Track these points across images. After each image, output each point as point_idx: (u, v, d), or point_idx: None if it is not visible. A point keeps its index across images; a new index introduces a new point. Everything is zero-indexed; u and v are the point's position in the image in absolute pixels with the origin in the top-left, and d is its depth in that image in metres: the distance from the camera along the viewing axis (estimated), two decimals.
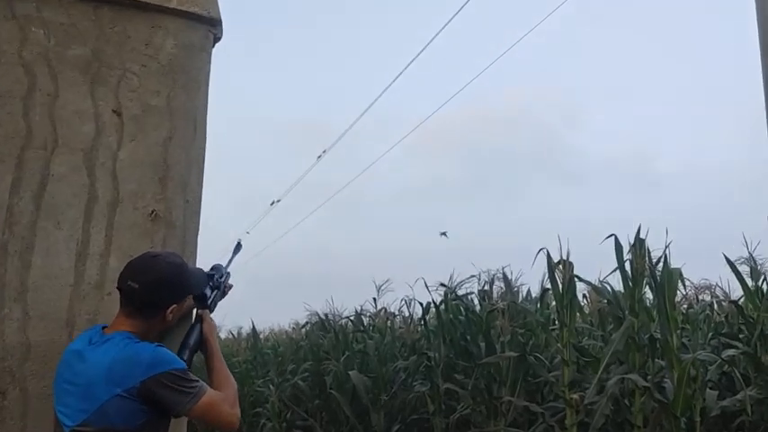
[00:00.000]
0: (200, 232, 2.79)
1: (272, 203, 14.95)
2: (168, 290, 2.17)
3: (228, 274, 2.60)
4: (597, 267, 6.77)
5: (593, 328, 7.02)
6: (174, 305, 2.20)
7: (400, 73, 8.64)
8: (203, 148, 2.86)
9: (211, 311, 2.46)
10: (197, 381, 2.07)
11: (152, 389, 1.98)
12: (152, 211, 2.62)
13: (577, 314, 6.44)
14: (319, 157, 12.66)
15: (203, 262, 2.71)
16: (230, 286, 2.60)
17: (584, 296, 8.31)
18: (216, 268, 2.55)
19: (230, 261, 2.65)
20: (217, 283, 2.49)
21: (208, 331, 2.36)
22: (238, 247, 2.74)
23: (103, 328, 2.19)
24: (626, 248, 5.80)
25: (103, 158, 2.61)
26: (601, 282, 6.70)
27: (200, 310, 2.39)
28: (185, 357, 2.21)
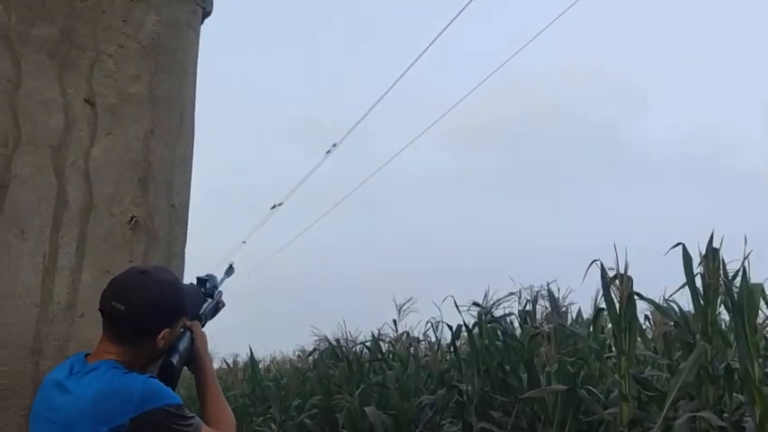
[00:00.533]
0: (188, 242, 2.79)
1: (274, 207, 15.07)
2: (159, 312, 2.16)
3: (221, 292, 2.60)
4: (662, 283, 6.70)
5: (658, 356, 6.94)
6: (167, 329, 2.19)
7: (420, 55, 8.69)
8: (191, 144, 2.86)
9: (202, 324, 2.45)
10: (192, 417, 2.06)
11: (143, 427, 1.97)
12: (131, 218, 2.63)
13: (638, 339, 6.37)
14: (329, 151, 12.78)
15: (192, 277, 2.71)
16: (223, 304, 2.60)
17: (646, 317, 8.24)
18: (210, 276, 2.55)
19: (221, 282, 2.65)
20: (210, 290, 2.50)
21: (200, 344, 2.35)
22: (230, 270, 2.74)
23: (86, 355, 2.19)
24: (696, 260, 5.73)
25: (74, 156, 2.62)
26: (666, 300, 6.63)
27: (188, 321, 2.38)
28: (174, 362, 2.21)
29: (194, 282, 2.55)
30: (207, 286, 2.51)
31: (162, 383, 2.08)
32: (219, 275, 2.67)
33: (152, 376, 2.09)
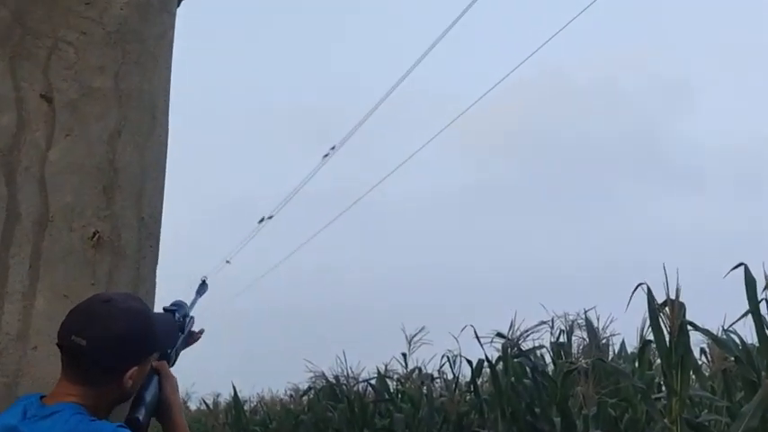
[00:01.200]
0: (160, 262, 2.80)
1: (262, 221, 15.11)
2: (126, 347, 2.18)
3: (192, 319, 2.61)
4: (721, 310, 6.69)
5: (716, 398, 6.92)
6: (135, 367, 2.20)
7: (433, 44, 8.72)
8: (164, 146, 2.88)
9: (171, 363, 2.47)
10: None
11: None
12: (94, 234, 2.65)
13: (692, 377, 6.34)
14: (326, 155, 12.82)
15: (162, 305, 2.73)
16: (201, 332, 2.62)
17: (702, 352, 8.23)
18: (178, 305, 2.57)
19: (193, 303, 2.67)
20: (179, 322, 2.51)
21: (170, 393, 2.36)
22: (203, 286, 2.76)
23: (42, 397, 2.20)
24: (761, 283, 5.72)
25: (27, 161, 2.64)
26: (726, 331, 6.60)
27: (155, 362, 2.40)
28: (141, 418, 2.22)
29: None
30: (176, 317, 2.52)
31: None
32: (190, 298, 2.69)
33: (122, 425, 2.11)
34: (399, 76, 10.84)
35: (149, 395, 2.29)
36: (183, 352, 2.62)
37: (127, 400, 2.25)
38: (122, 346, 2.16)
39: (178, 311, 2.54)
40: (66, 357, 2.16)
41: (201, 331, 2.68)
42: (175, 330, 2.47)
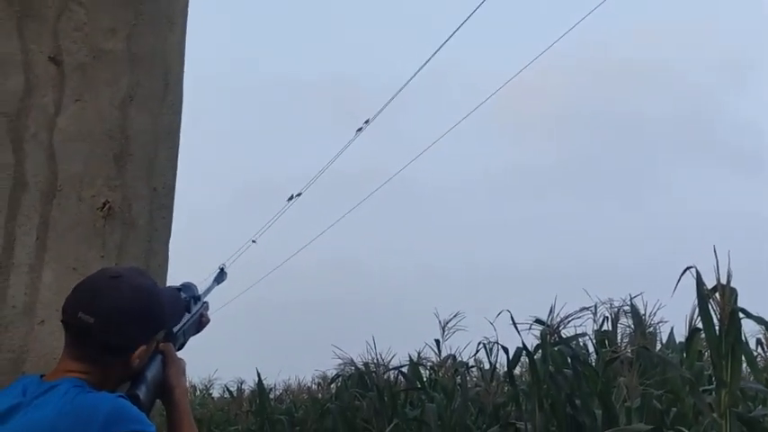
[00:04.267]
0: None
1: (291, 198, 15.11)
2: (135, 325, 2.20)
3: (206, 304, 2.62)
4: None
5: None
6: (143, 346, 2.23)
7: (468, 16, 8.66)
8: (178, 113, 2.90)
9: (179, 347, 2.48)
10: None
11: None
12: (104, 204, 2.67)
13: (745, 368, 6.28)
14: (360, 129, 12.81)
15: (177, 281, 2.75)
16: (207, 319, 2.63)
17: (757, 342, 8.15)
18: (185, 286, 2.58)
19: (208, 290, 2.68)
20: (185, 302, 2.52)
21: (173, 374, 2.38)
22: (221, 275, 2.77)
23: (42, 376, 2.24)
24: None
25: (35, 128, 2.67)
26: None
27: (161, 344, 2.42)
28: (141, 395, 2.24)
29: None
30: (182, 297, 2.53)
31: (133, 405, 2.12)
32: (204, 284, 2.70)
33: (122, 395, 2.13)
34: (429, 54, 10.74)
35: (151, 374, 2.31)
36: (204, 337, 2.63)
37: (130, 379, 2.27)
38: (131, 325, 2.17)
39: (185, 291, 2.55)
40: (72, 335, 2.18)
41: (209, 320, 2.69)
42: (182, 309, 2.48)
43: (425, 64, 10.68)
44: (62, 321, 2.21)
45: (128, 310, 2.17)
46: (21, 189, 2.63)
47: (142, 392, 2.25)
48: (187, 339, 2.56)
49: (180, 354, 2.47)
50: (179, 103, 2.92)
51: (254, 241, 16.79)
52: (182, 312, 2.50)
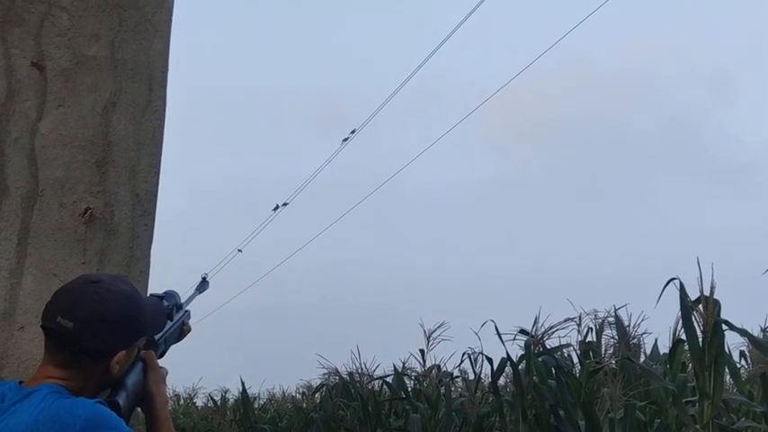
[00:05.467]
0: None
1: (277, 208, 15.15)
2: (115, 332, 2.20)
3: (188, 313, 2.63)
4: (762, 309, 6.64)
5: (753, 403, 6.87)
6: (123, 351, 2.23)
7: (455, 29, 8.71)
8: (161, 120, 2.90)
9: (160, 355, 2.48)
10: None
11: None
12: (85, 210, 2.67)
13: (727, 380, 6.30)
14: (346, 139, 12.87)
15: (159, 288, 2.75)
16: (189, 328, 2.63)
17: (741, 354, 8.17)
18: (167, 294, 2.58)
19: (191, 299, 2.68)
20: (167, 310, 2.52)
21: (154, 381, 2.38)
22: (203, 284, 2.77)
23: (21, 382, 2.24)
24: None
25: (17, 133, 2.67)
26: (765, 331, 6.55)
27: (142, 352, 2.42)
28: (121, 401, 2.24)
29: None
30: (164, 305, 2.53)
31: (112, 411, 2.12)
32: (186, 293, 2.70)
33: (101, 401, 2.13)
34: (415, 67, 10.84)
35: (131, 381, 2.31)
36: (188, 345, 2.63)
37: (111, 386, 2.27)
38: (110, 330, 2.18)
39: (167, 299, 2.55)
40: (51, 340, 2.18)
41: (190, 329, 2.69)
42: (163, 317, 2.48)
43: (413, 75, 10.76)
44: (41, 326, 2.21)
45: (107, 315, 2.17)
46: (2, 194, 2.63)
47: (122, 399, 2.25)
48: (168, 347, 2.56)
49: (162, 362, 2.47)
50: (162, 110, 2.92)
51: (239, 251, 16.80)
52: (163, 320, 2.50)
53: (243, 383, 13.58)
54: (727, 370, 6.44)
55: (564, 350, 8.36)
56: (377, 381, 10.77)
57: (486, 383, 9.98)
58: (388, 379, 10.66)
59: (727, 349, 6.38)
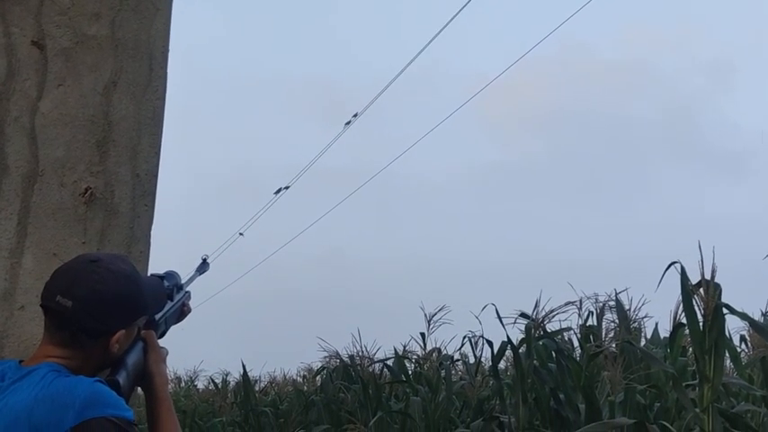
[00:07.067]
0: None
1: (278, 191, 15.09)
2: (114, 310, 2.21)
3: (188, 294, 2.63)
4: (762, 295, 6.64)
5: (753, 387, 6.88)
6: (122, 330, 2.23)
7: (455, 15, 8.67)
8: (162, 99, 2.89)
9: (160, 335, 2.48)
10: None
11: None
12: (86, 190, 2.67)
13: (728, 364, 6.31)
14: (348, 123, 12.81)
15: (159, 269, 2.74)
16: (189, 309, 2.63)
17: (742, 339, 8.19)
18: (168, 274, 2.58)
19: (191, 280, 2.68)
20: (168, 290, 2.52)
21: (154, 361, 2.38)
22: (203, 266, 2.77)
23: (21, 361, 2.24)
24: None
25: (17, 112, 2.66)
26: (765, 315, 6.55)
27: (142, 332, 2.42)
28: (121, 380, 2.24)
29: None
30: (165, 286, 2.53)
31: (111, 390, 2.12)
32: (187, 274, 2.69)
33: (100, 380, 2.13)
34: (416, 53, 10.78)
35: (131, 360, 2.31)
36: (189, 328, 2.62)
37: (111, 366, 2.27)
38: (109, 309, 2.18)
39: (168, 280, 2.55)
40: (50, 319, 2.18)
41: (190, 309, 2.69)
42: (163, 296, 2.48)
43: (413, 60, 10.69)
44: (41, 305, 2.21)
45: (106, 294, 2.17)
46: (2, 173, 2.62)
47: (122, 378, 2.25)
48: (168, 327, 2.57)
49: (163, 343, 2.48)
50: (163, 90, 2.91)
51: (241, 234, 16.78)
52: (164, 300, 2.50)
53: (244, 366, 13.59)
54: (727, 354, 6.45)
55: (564, 334, 8.36)
56: (377, 364, 10.78)
57: (486, 367, 9.99)
58: (389, 362, 10.68)
59: (727, 333, 6.39)
